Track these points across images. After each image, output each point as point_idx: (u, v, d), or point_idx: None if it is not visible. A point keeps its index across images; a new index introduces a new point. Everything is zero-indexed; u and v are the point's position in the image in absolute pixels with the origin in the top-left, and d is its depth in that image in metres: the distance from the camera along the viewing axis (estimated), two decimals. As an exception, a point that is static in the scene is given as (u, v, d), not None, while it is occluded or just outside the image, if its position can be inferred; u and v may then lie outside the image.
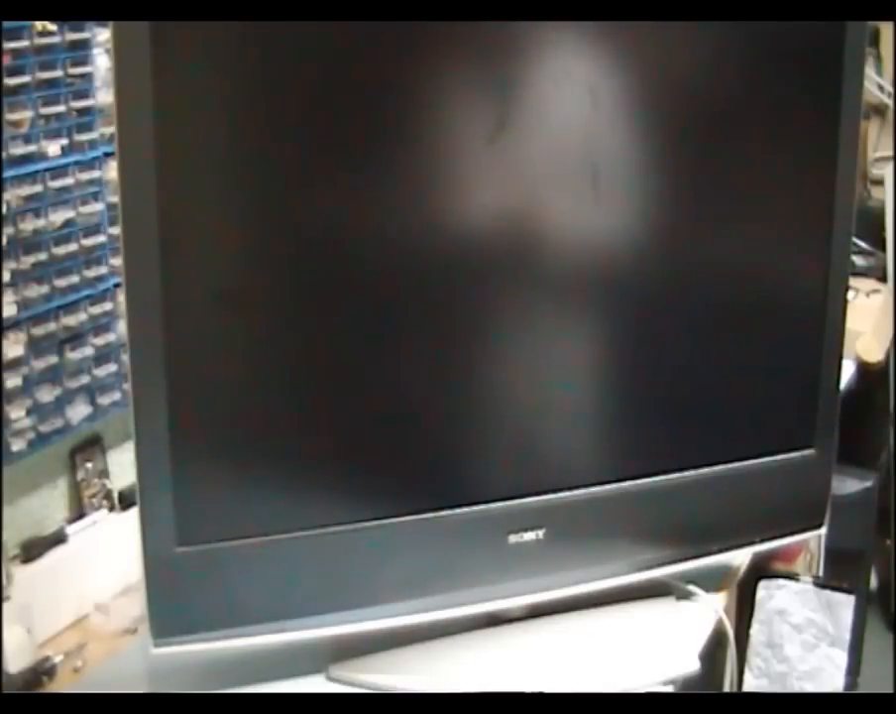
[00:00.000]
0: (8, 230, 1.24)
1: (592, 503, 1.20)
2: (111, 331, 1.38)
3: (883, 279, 2.19)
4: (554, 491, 1.19)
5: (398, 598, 1.15)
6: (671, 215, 1.20)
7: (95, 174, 1.33)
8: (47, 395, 1.31)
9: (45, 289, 1.29)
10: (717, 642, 1.29)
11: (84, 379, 1.36)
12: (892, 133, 2.38)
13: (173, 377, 1.02)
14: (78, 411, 1.36)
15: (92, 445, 1.40)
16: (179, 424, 1.04)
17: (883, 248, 2.22)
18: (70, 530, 1.35)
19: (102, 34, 1.30)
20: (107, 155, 1.33)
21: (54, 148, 1.28)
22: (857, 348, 1.91)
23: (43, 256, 1.28)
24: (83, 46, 1.30)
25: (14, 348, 1.26)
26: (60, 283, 1.31)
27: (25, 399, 1.29)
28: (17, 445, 1.28)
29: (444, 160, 1.10)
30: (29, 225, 1.27)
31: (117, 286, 1.36)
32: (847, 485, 1.93)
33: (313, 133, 1.04)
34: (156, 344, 1.01)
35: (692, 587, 1.30)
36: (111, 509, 1.41)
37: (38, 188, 1.27)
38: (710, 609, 1.29)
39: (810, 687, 1.44)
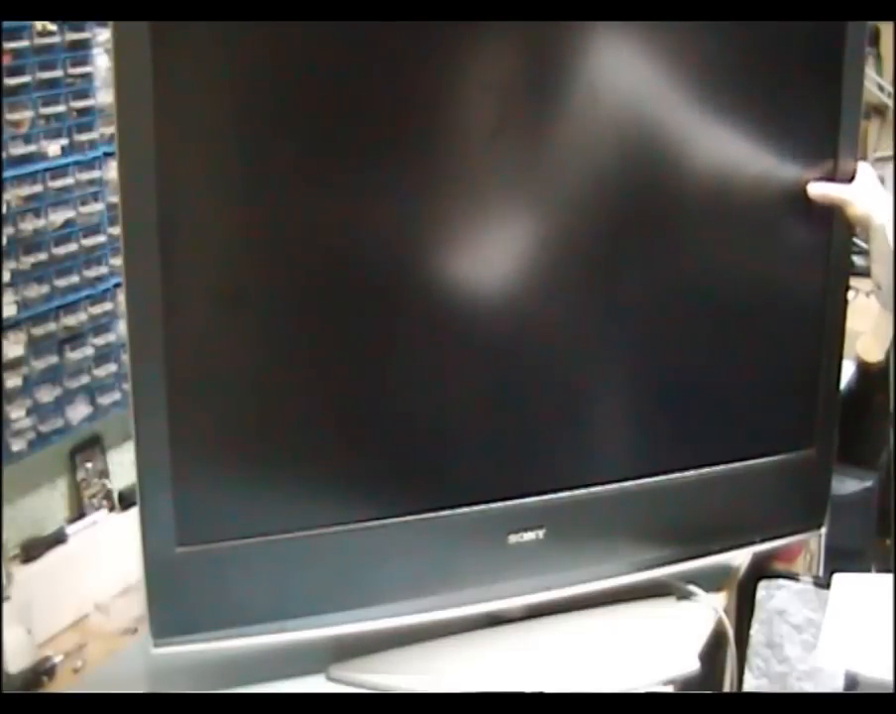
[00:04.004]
0: (8, 230, 1.24)
1: (592, 503, 1.21)
2: (111, 331, 1.38)
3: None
4: (554, 491, 1.19)
5: (398, 598, 1.15)
6: (670, 215, 1.20)
7: (95, 174, 1.33)
8: (47, 395, 1.31)
9: (45, 289, 1.29)
10: (717, 642, 1.29)
11: (84, 379, 1.36)
12: (892, 133, 2.38)
13: (173, 377, 1.02)
14: (78, 411, 1.35)
15: (92, 445, 1.40)
16: (179, 424, 1.04)
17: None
18: (70, 530, 1.35)
19: (102, 34, 1.30)
20: (107, 155, 1.33)
21: (54, 148, 1.28)
22: (857, 348, 1.91)
23: (43, 256, 1.28)
24: (83, 46, 1.30)
25: (14, 348, 1.26)
26: (60, 283, 1.31)
27: (25, 399, 1.28)
28: (17, 445, 1.28)
29: (445, 163, 1.10)
30: (29, 225, 1.27)
31: (117, 286, 1.35)
32: (847, 485, 1.93)
33: (314, 133, 1.04)
34: (156, 344, 1.01)
35: (692, 587, 1.30)
36: (111, 509, 1.41)
37: (38, 188, 1.27)
38: (710, 609, 1.29)
39: (810, 687, 1.44)
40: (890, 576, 1.24)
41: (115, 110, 0.97)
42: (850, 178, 1.22)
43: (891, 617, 1.14)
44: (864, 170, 1.23)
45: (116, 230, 1.15)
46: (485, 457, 1.17)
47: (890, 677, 1.09)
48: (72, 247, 1.32)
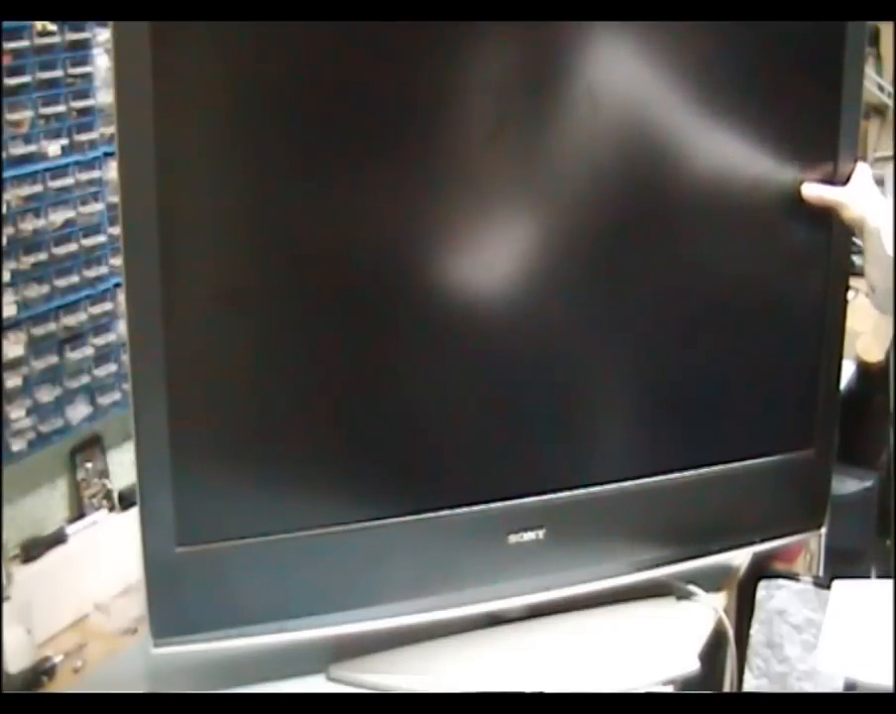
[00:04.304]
0: (8, 230, 1.24)
1: (592, 503, 1.20)
2: (111, 331, 1.38)
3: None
4: (554, 491, 1.19)
5: (398, 598, 1.15)
6: (670, 216, 1.20)
7: (95, 174, 1.33)
8: (47, 395, 1.31)
9: (45, 289, 1.29)
10: (717, 642, 1.29)
11: (84, 379, 1.36)
12: (892, 133, 2.38)
13: (173, 377, 1.02)
14: (78, 411, 1.35)
15: (92, 445, 1.40)
16: (179, 424, 1.04)
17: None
18: (70, 530, 1.35)
19: (102, 34, 1.30)
20: (107, 155, 1.33)
21: (54, 148, 1.28)
22: (857, 348, 1.91)
23: (43, 256, 1.28)
24: (83, 46, 1.30)
25: (14, 348, 1.26)
26: (60, 283, 1.31)
27: (25, 399, 1.28)
28: (17, 445, 1.28)
29: (445, 164, 1.10)
30: (29, 225, 1.27)
31: (117, 286, 1.35)
32: (847, 485, 1.93)
33: (314, 134, 1.04)
34: (156, 344, 1.01)
35: (692, 587, 1.30)
36: (111, 509, 1.41)
37: (38, 188, 1.27)
38: (710, 609, 1.29)
39: (810, 687, 1.44)
40: (888, 581, 1.24)
41: (115, 110, 0.97)
42: (847, 179, 1.22)
43: (892, 619, 1.13)
44: (861, 171, 1.22)
45: (116, 230, 1.15)
46: (485, 457, 1.17)
47: (889, 684, 1.09)
48: (72, 247, 1.32)
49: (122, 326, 1.35)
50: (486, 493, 1.16)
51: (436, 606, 1.16)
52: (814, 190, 1.21)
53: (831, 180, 1.22)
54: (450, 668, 1.18)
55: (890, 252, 1.15)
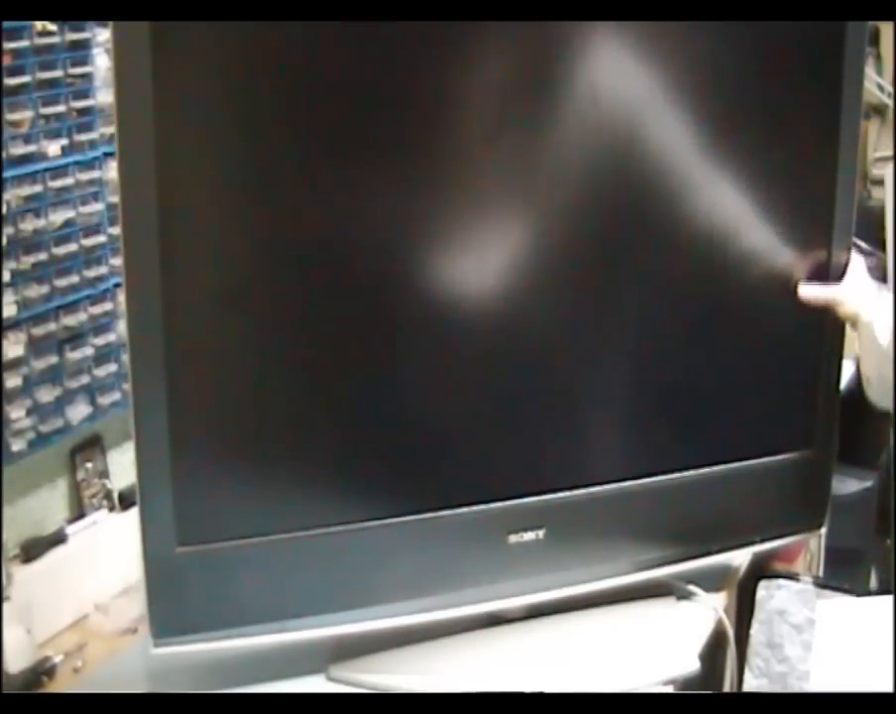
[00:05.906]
0: (8, 230, 1.24)
1: (592, 503, 1.21)
2: (111, 331, 1.38)
3: (883, 279, 2.18)
4: (554, 491, 1.19)
5: (398, 598, 1.15)
6: (669, 216, 1.20)
7: (95, 174, 1.33)
8: (47, 395, 1.31)
9: (45, 289, 1.29)
10: (717, 642, 1.29)
11: (84, 379, 1.36)
12: (892, 133, 2.38)
13: (173, 377, 1.02)
14: (78, 411, 1.35)
15: (92, 445, 1.40)
16: (179, 424, 1.04)
17: (883, 248, 2.21)
18: (70, 530, 1.35)
19: (102, 34, 1.30)
20: (107, 155, 1.33)
21: (54, 148, 1.28)
22: (857, 348, 1.91)
23: (43, 256, 1.28)
24: (83, 46, 1.30)
25: (14, 348, 1.26)
26: (60, 283, 1.31)
27: (25, 399, 1.29)
28: (17, 445, 1.28)
29: (447, 163, 1.10)
30: (29, 225, 1.27)
31: (117, 286, 1.36)
32: (847, 485, 1.93)
33: (314, 134, 1.04)
34: (156, 344, 1.01)
35: (692, 587, 1.30)
36: (111, 509, 1.41)
37: (38, 188, 1.27)
38: (710, 609, 1.29)
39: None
40: (872, 599, 1.24)
41: (115, 110, 0.97)
42: (850, 179, 1.22)
43: (892, 618, 1.13)
44: (855, 263, 1.24)
45: (116, 230, 1.15)
46: (485, 457, 1.17)
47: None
48: (72, 247, 1.32)
49: (122, 326, 1.35)
50: (486, 493, 1.16)
51: (436, 606, 1.16)
52: (810, 291, 1.22)
53: (831, 181, 1.22)
54: (450, 668, 1.18)
55: (882, 342, 1.17)
